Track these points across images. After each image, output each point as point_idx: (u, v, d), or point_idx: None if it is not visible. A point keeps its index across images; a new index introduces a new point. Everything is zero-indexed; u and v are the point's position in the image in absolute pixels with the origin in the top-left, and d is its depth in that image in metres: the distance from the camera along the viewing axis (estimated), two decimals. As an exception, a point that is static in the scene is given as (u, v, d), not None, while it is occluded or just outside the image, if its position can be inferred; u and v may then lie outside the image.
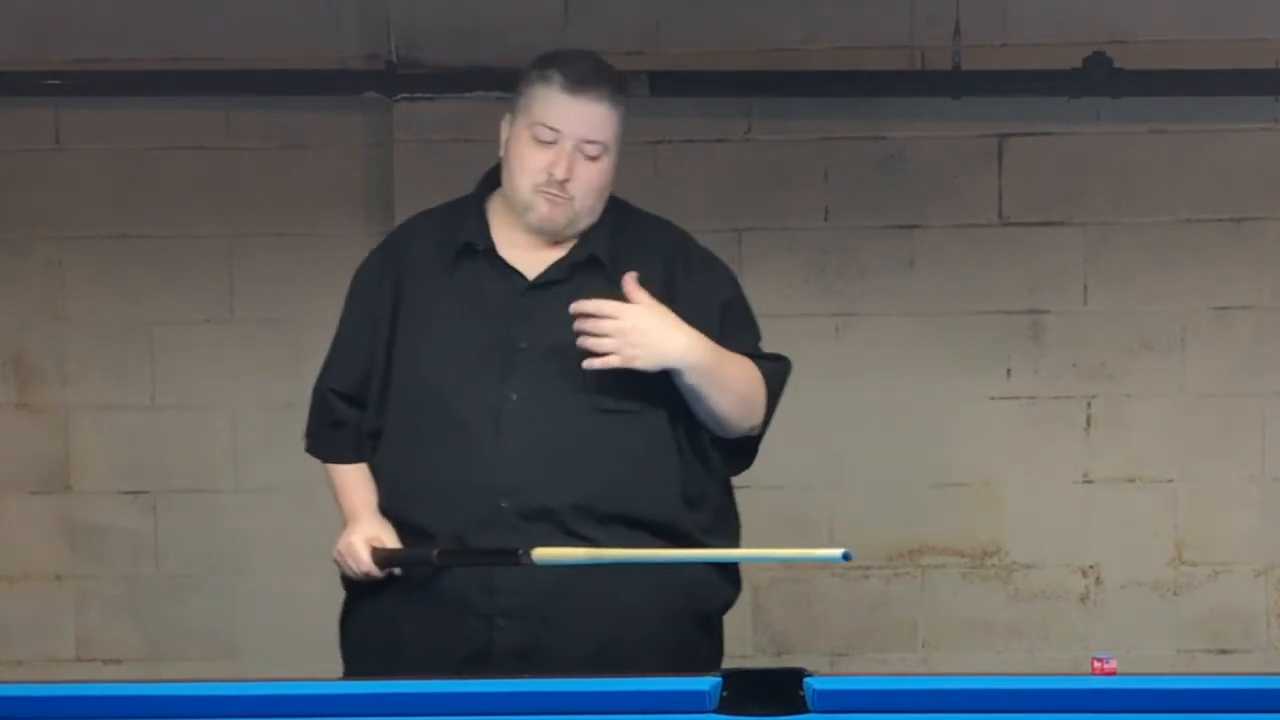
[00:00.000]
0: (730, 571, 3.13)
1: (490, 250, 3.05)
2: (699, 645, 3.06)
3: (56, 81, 4.56)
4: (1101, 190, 4.56)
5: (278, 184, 4.61)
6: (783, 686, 2.40)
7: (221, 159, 4.62)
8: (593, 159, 2.99)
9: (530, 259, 3.05)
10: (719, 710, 2.38)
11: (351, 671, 3.09)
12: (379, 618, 3.07)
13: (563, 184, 2.97)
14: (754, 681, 2.42)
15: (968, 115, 4.51)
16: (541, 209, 3.00)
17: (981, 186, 4.57)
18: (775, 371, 3.09)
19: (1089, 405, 4.60)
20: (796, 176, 4.55)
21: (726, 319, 3.08)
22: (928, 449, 4.52)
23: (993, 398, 4.55)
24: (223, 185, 4.62)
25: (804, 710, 2.37)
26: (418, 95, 4.49)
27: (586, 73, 3.01)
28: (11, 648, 4.66)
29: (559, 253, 3.05)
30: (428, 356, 3.03)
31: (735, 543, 3.14)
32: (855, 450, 4.51)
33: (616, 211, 3.11)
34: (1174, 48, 4.48)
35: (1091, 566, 4.64)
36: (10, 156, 4.62)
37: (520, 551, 2.87)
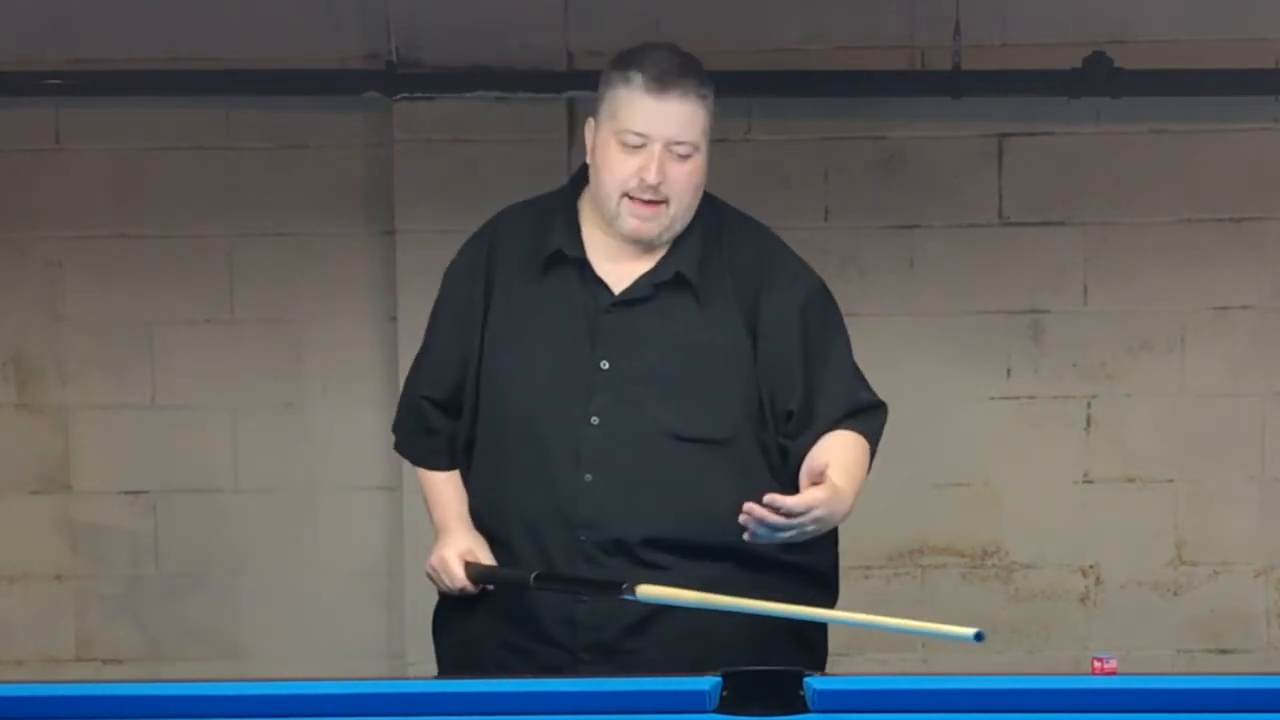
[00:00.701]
0: (824, 582, 3.07)
1: (580, 260, 2.96)
2: (801, 659, 2.92)
3: (56, 81, 4.55)
4: (1101, 190, 4.56)
5: (278, 184, 4.61)
6: (783, 686, 2.40)
7: (221, 159, 4.61)
8: (684, 158, 2.89)
9: (620, 270, 2.96)
10: (719, 710, 2.38)
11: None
12: (464, 641, 3.05)
13: (656, 188, 2.87)
14: (754, 681, 2.42)
15: (968, 115, 4.51)
16: (630, 222, 2.90)
17: (981, 186, 4.56)
18: (876, 433, 3.02)
19: (1089, 405, 4.60)
20: (796, 176, 4.55)
21: (820, 361, 2.98)
22: (928, 449, 4.51)
23: (993, 398, 4.55)
24: (223, 185, 4.62)
25: (804, 710, 2.37)
26: (418, 95, 4.49)
27: (669, 70, 2.89)
28: (11, 648, 4.66)
29: (649, 263, 2.96)
30: (513, 371, 2.96)
31: (830, 556, 3.10)
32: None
33: (709, 215, 3.00)
34: (1174, 48, 4.48)
35: (1091, 566, 4.64)
36: (10, 156, 4.61)
37: (625, 585, 2.78)
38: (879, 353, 4.55)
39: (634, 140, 2.88)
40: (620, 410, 2.90)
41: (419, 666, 4.42)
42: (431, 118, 4.50)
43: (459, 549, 3.01)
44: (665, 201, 2.89)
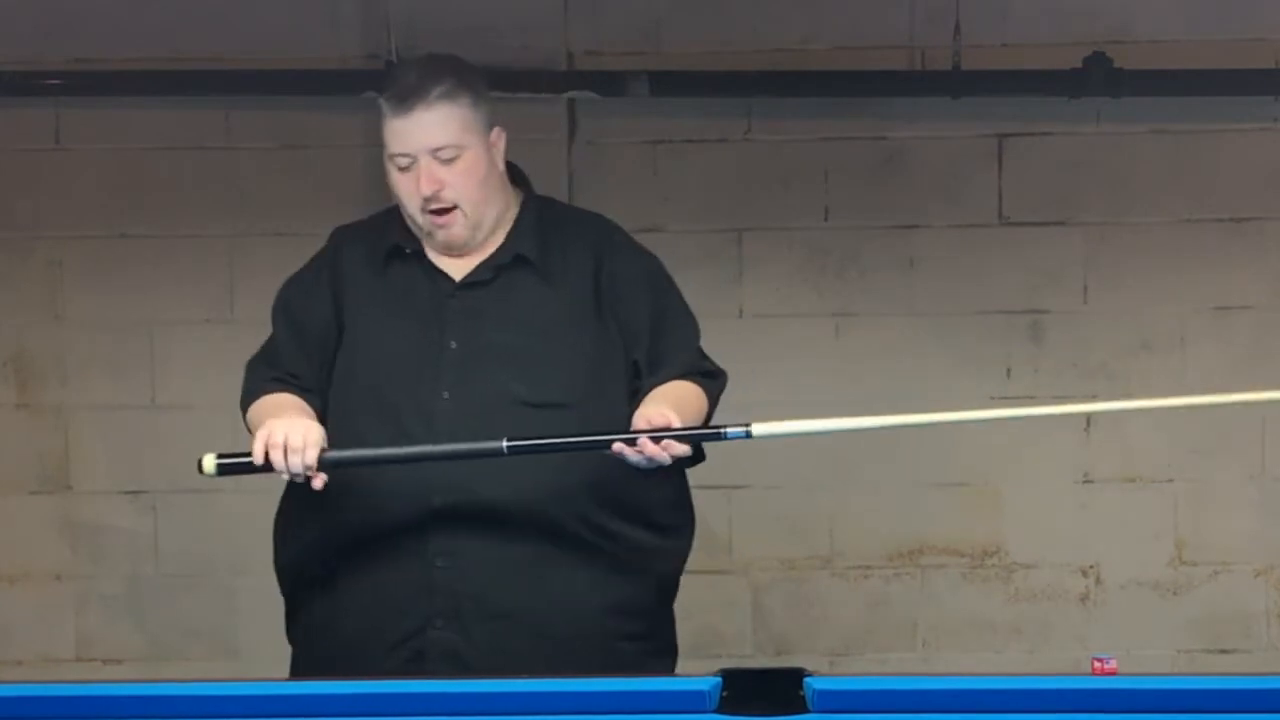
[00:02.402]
0: (664, 574, 3.11)
1: (418, 252, 3.07)
2: (640, 642, 3.04)
3: (56, 81, 4.56)
4: (1101, 190, 4.56)
5: (278, 184, 4.61)
6: (783, 686, 2.40)
7: (221, 159, 4.61)
8: (451, 161, 2.99)
9: (457, 262, 3.07)
10: (719, 710, 2.38)
11: (297, 669, 3.10)
12: (320, 621, 3.06)
13: (437, 196, 2.98)
14: (754, 681, 2.42)
15: (968, 115, 4.51)
16: (437, 234, 3.03)
17: (981, 186, 4.57)
18: (714, 391, 3.08)
19: (1089, 405, 4.60)
20: (796, 176, 4.55)
21: (663, 318, 3.08)
22: (928, 449, 4.52)
23: (993, 398, 4.55)
24: (223, 185, 4.62)
25: (804, 710, 2.37)
26: (418, 95, 4.48)
27: (409, 86, 3.00)
28: (11, 648, 4.66)
29: (486, 252, 3.06)
30: (362, 359, 3.04)
31: (684, 534, 3.13)
32: (855, 450, 4.50)
33: (539, 208, 3.13)
34: (1174, 48, 4.48)
35: (1091, 566, 4.64)
36: (10, 156, 4.61)
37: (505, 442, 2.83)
38: (879, 353, 4.58)
39: (402, 162, 3.01)
40: (470, 384, 2.96)
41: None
42: (431, 118, 4.49)
43: (309, 425, 2.94)
44: (455, 206, 3.00)
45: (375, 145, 4.51)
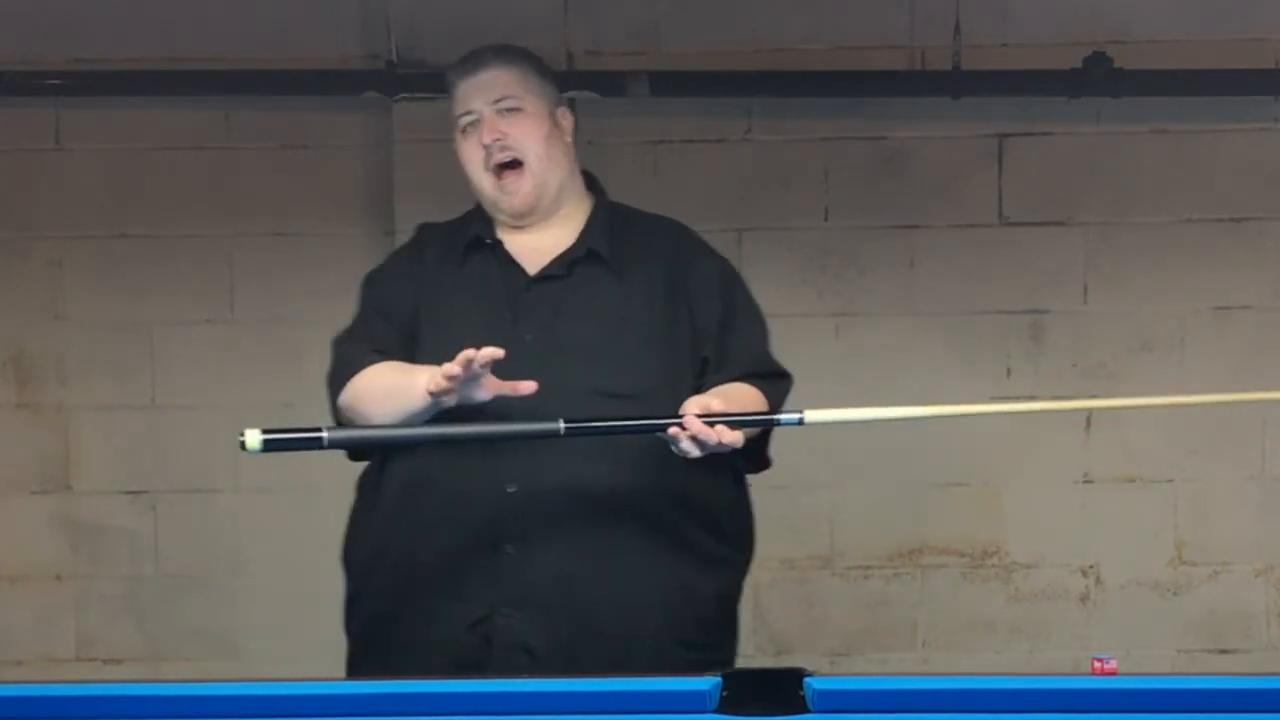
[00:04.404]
0: (725, 577, 3.12)
1: (497, 244, 3.10)
2: (700, 649, 3.03)
3: (56, 81, 4.56)
4: (1101, 190, 4.56)
5: (278, 184, 4.61)
6: (783, 686, 2.40)
7: (221, 159, 4.62)
8: (514, 111, 3.07)
9: (534, 255, 3.09)
10: (719, 710, 2.38)
11: (355, 665, 3.11)
12: (387, 608, 3.06)
13: (502, 148, 3.05)
14: (754, 681, 2.42)
15: (968, 115, 4.51)
16: (504, 198, 3.07)
17: (981, 186, 4.57)
18: (776, 394, 3.08)
19: (1089, 405, 4.61)
20: (796, 176, 4.55)
21: (731, 319, 3.10)
22: (928, 449, 4.52)
23: (993, 398, 4.55)
24: (223, 185, 4.62)
25: (804, 710, 2.37)
26: (418, 95, 4.49)
27: (472, 54, 3.14)
28: (11, 648, 4.67)
29: (561, 245, 3.09)
30: (440, 350, 3.00)
31: (743, 545, 3.14)
32: (855, 450, 4.51)
33: (612, 210, 3.17)
34: (1174, 48, 4.48)
35: (1091, 566, 4.64)
36: (10, 156, 4.62)
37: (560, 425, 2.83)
38: (879, 353, 4.58)
39: (466, 120, 3.10)
40: (546, 376, 2.95)
41: (419, 666, 4.42)
42: (431, 118, 4.48)
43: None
44: (521, 163, 3.07)
45: (375, 145, 4.58)
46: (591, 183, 3.22)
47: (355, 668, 3.12)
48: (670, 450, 2.88)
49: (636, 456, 2.96)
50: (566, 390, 2.94)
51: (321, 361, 4.72)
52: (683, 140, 4.56)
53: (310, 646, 4.60)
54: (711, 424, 2.82)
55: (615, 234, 3.12)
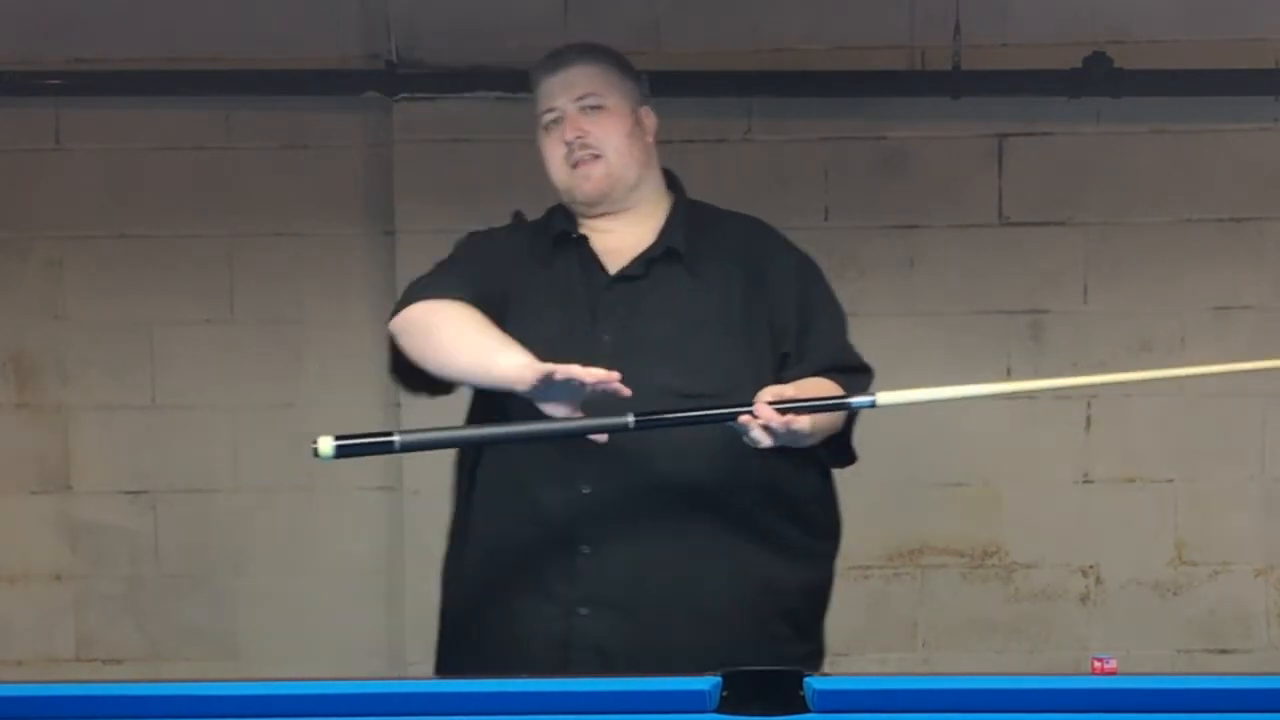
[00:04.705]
0: (812, 570, 3.12)
1: (582, 239, 3.12)
2: (788, 642, 3.03)
3: (56, 81, 4.56)
4: (1101, 190, 4.56)
5: (278, 184, 4.61)
6: (783, 686, 2.40)
7: (221, 159, 4.62)
8: (596, 109, 3.09)
9: (615, 254, 3.10)
10: (719, 710, 2.38)
11: (440, 664, 3.13)
12: (471, 611, 3.07)
13: (583, 144, 3.07)
14: (754, 681, 2.42)
15: (968, 115, 4.51)
16: (580, 186, 3.09)
17: (981, 186, 4.57)
18: (856, 387, 3.06)
19: (1089, 405, 4.60)
20: (796, 176, 4.55)
21: (809, 314, 3.11)
22: (928, 449, 4.52)
23: (992, 398, 4.55)
24: (223, 185, 4.62)
25: (804, 710, 2.37)
26: (418, 95, 4.49)
27: (556, 52, 3.16)
28: (11, 648, 4.67)
29: (642, 245, 3.10)
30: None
31: (831, 537, 3.16)
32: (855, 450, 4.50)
33: (691, 208, 3.19)
34: (1174, 48, 4.48)
35: (1091, 566, 4.64)
36: (10, 156, 4.62)
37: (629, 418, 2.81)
38: (879, 353, 4.55)
39: (549, 117, 3.11)
40: (624, 376, 2.93)
41: (419, 666, 4.42)
42: (431, 118, 4.50)
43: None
44: (601, 157, 3.09)
45: (375, 145, 4.58)
46: (672, 181, 3.23)
47: (441, 667, 3.13)
48: (748, 445, 2.88)
49: (713, 453, 2.95)
50: (643, 391, 2.91)
51: (322, 361, 4.74)
52: (683, 140, 4.54)
53: (310, 646, 4.64)
54: (782, 413, 2.81)
55: (693, 232, 3.13)
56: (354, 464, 4.63)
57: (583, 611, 2.97)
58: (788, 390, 2.87)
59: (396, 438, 2.81)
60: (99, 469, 4.68)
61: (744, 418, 2.82)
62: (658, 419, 2.84)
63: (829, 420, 2.99)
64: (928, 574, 4.64)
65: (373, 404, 4.44)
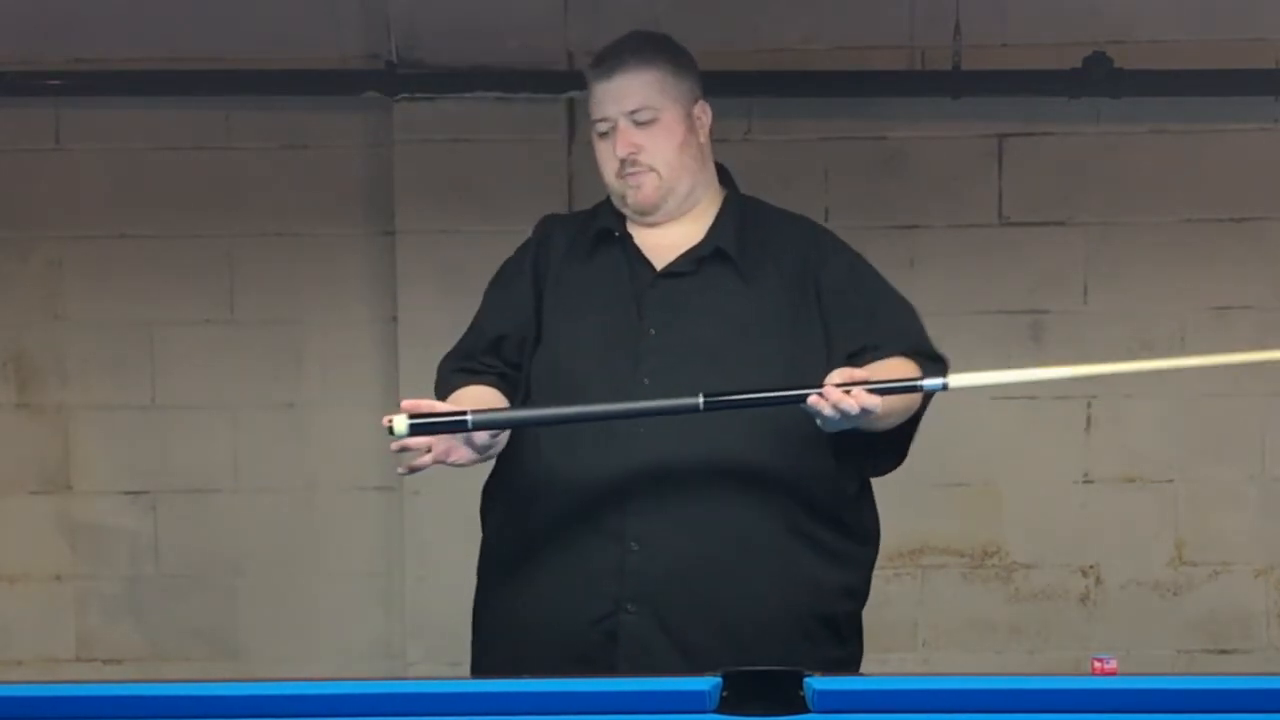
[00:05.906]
0: (853, 574, 3.12)
1: (626, 237, 3.10)
2: (826, 646, 3.04)
3: (56, 81, 4.56)
4: (1101, 190, 4.56)
5: (278, 184, 4.61)
6: (783, 686, 2.40)
7: (221, 159, 4.62)
8: (648, 124, 3.05)
9: (662, 250, 3.08)
10: (719, 710, 2.38)
11: (480, 664, 3.11)
12: (512, 604, 3.05)
13: (634, 160, 3.04)
14: (754, 681, 2.42)
15: (968, 115, 4.51)
16: (631, 195, 3.06)
17: (981, 186, 4.57)
18: (932, 374, 3.02)
19: (1089, 405, 4.60)
20: (796, 176, 4.55)
21: (876, 309, 3.09)
22: (928, 449, 4.49)
23: (993, 398, 4.54)
24: (223, 185, 4.62)
25: (804, 710, 2.37)
26: (418, 95, 4.49)
27: (610, 53, 3.12)
28: (11, 648, 4.67)
29: (690, 242, 3.08)
30: (563, 342, 3.05)
31: (868, 541, 3.15)
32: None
33: (743, 206, 3.16)
34: (1174, 48, 4.48)
35: (1091, 566, 4.64)
36: (10, 156, 4.62)
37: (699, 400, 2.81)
38: (879, 353, 4.57)
39: (602, 128, 3.08)
40: (670, 373, 2.96)
41: (419, 666, 4.43)
42: (431, 118, 4.50)
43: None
44: (652, 170, 3.05)
45: (375, 145, 4.58)
46: (724, 176, 3.21)
47: (479, 665, 3.12)
48: (792, 444, 2.89)
49: (759, 454, 2.96)
50: (683, 391, 2.90)
51: (322, 361, 4.74)
52: (683, 140, 4.55)
53: (310, 646, 4.64)
54: (849, 391, 2.80)
55: (744, 231, 3.10)
56: (354, 464, 4.66)
57: (630, 609, 2.96)
58: (859, 372, 2.85)
59: (469, 416, 2.83)
60: (99, 469, 4.68)
61: (814, 399, 2.81)
62: (727, 400, 2.83)
63: (904, 403, 2.99)
64: (928, 574, 4.64)
65: (373, 404, 4.43)
